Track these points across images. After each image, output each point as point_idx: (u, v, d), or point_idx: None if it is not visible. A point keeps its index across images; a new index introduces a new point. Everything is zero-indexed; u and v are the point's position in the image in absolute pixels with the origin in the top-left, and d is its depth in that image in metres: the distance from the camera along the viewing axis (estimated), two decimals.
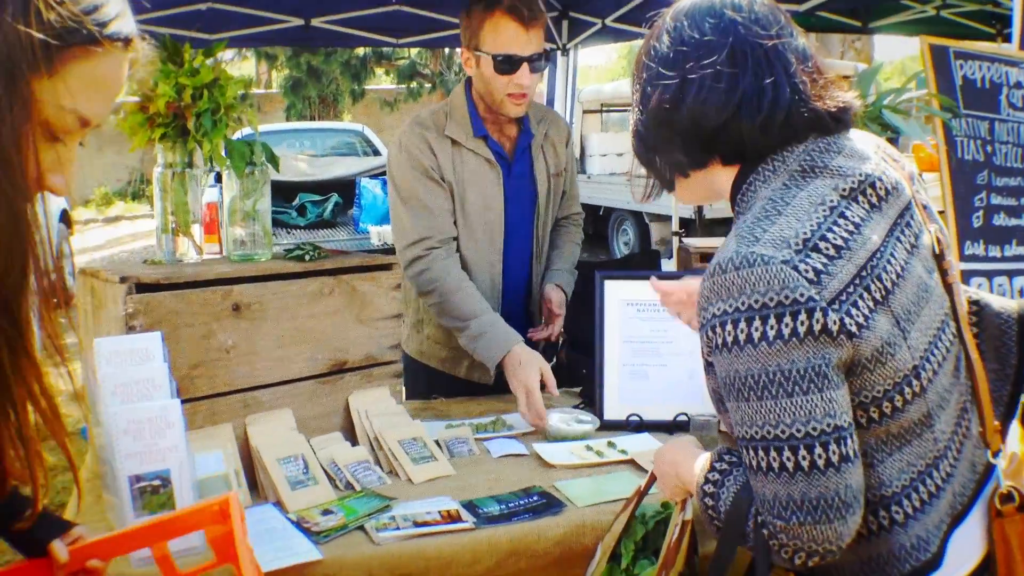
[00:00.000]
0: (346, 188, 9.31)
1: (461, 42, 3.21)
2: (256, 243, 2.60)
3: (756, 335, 1.49)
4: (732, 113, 1.62)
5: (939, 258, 1.72)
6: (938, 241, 1.73)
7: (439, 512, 2.20)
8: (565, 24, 7.16)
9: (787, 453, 1.49)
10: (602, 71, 49.48)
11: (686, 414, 2.86)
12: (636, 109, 1.76)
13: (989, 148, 3.64)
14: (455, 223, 3.22)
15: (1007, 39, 7.57)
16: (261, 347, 2.42)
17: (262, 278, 2.43)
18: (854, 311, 1.50)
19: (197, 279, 2.32)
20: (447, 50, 20.19)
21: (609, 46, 8.49)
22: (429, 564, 2.08)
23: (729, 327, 1.51)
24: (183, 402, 2.06)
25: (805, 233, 1.53)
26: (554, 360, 3.66)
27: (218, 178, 2.68)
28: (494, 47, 3.08)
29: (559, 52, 7.50)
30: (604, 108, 16.24)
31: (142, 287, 2.24)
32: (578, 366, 5.06)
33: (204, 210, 2.69)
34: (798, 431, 1.48)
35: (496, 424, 2.89)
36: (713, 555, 1.71)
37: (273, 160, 2.58)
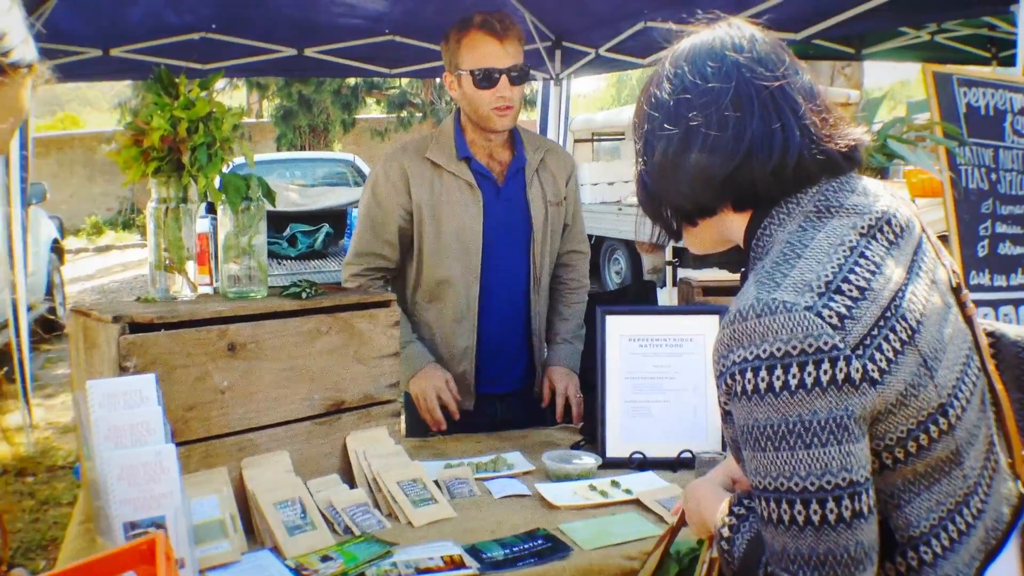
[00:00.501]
0: (337, 218, 9.28)
1: (445, 67, 3.27)
2: (252, 279, 2.53)
3: (778, 384, 1.44)
4: (742, 160, 1.57)
5: (956, 291, 1.69)
6: (954, 273, 1.70)
7: (441, 558, 2.13)
8: (558, 54, 7.14)
9: (798, 506, 1.44)
10: (591, 100, 49.73)
11: (690, 451, 2.80)
12: (639, 160, 1.71)
13: (994, 176, 3.59)
14: (425, 248, 3.27)
15: (1002, 63, 7.58)
16: (257, 388, 2.36)
17: (258, 317, 2.37)
18: (878, 355, 1.46)
19: (192, 318, 2.26)
20: (438, 80, 20.22)
21: (597, 76, 8.49)
22: None
23: (750, 375, 1.46)
24: (177, 445, 2.00)
25: (827, 276, 1.48)
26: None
27: (209, 208, 2.63)
28: (472, 63, 3.14)
29: (552, 82, 7.48)
30: (595, 137, 16.26)
31: (135, 327, 2.18)
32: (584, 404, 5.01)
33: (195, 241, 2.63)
34: (812, 484, 1.44)
35: (496, 463, 2.83)
36: None
37: (269, 195, 2.53)
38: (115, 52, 5.74)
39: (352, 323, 2.53)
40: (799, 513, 1.44)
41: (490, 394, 3.40)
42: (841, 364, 1.42)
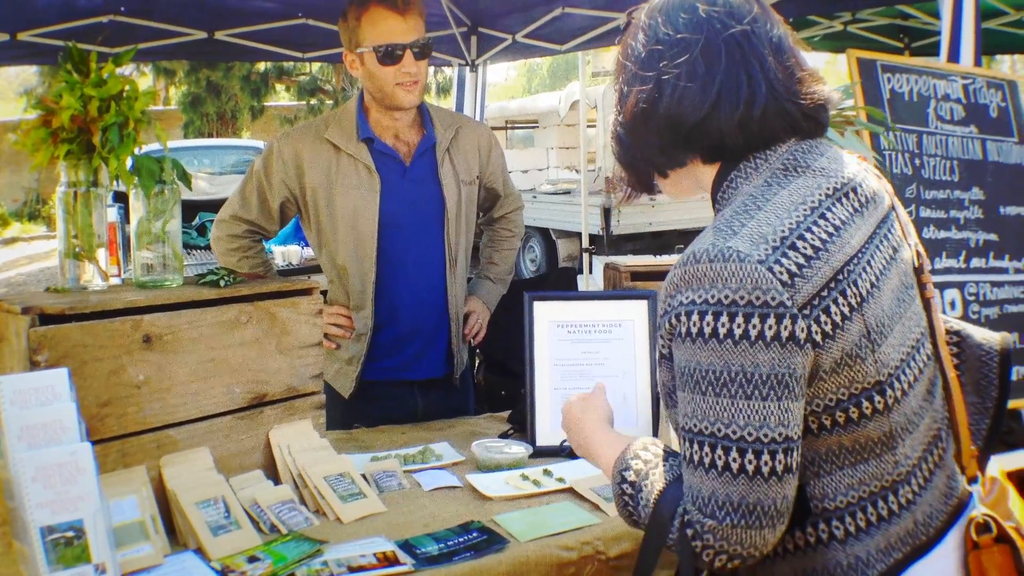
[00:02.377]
0: None
1: (343, 47, 3.22)
2: (166, 267, 2.42)
3: (722, 331, 1.46)
4: (709, 111, 1.59)
5: (918, 272, 1.70)
6: (918, 255, 1.71)
7: (374, 555, 2.05)
8: (474, 40, 7.05)
9: (734, 454, 1.47)
10: (502, 89, 49.74)
11: None
12: (615, 110, 1.73)
13: (917, 161, 3.63)
14: (323, 231, 3.24)
15: (914, 53, 7.69)
16: (175, 381, 2.25)
17: (174, 306, 2.26)
18: (824, 318, 1.48)
19: (105, 309, 2.14)
20: None
21: (509, 64, 8.44)
22: None
23: (695, 317, 1.48)
24: (93, 444, 1.89)
25: (783, 231, 1.50)
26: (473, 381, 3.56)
27: (116, 197, 2.50)
28: (374, 40, 3.08)
29: (467, 68, 7.39)
30: (509, 125, 16.22)
31: (46, 318, 2.05)
32: (496, 388, 4.99)
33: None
34: (749, 435, 1.46)
35: (424, 454, 2.75)
36: (639, 555, 1.65)
37: (184, 178, 2.42)
38: (23, 36, 5.52)
39: (273, 312, 2.43)
40: (734, 460, 1.46)
41: (406, 380, 3.34)
42: (787, 322, 1.45)
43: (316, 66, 20.81)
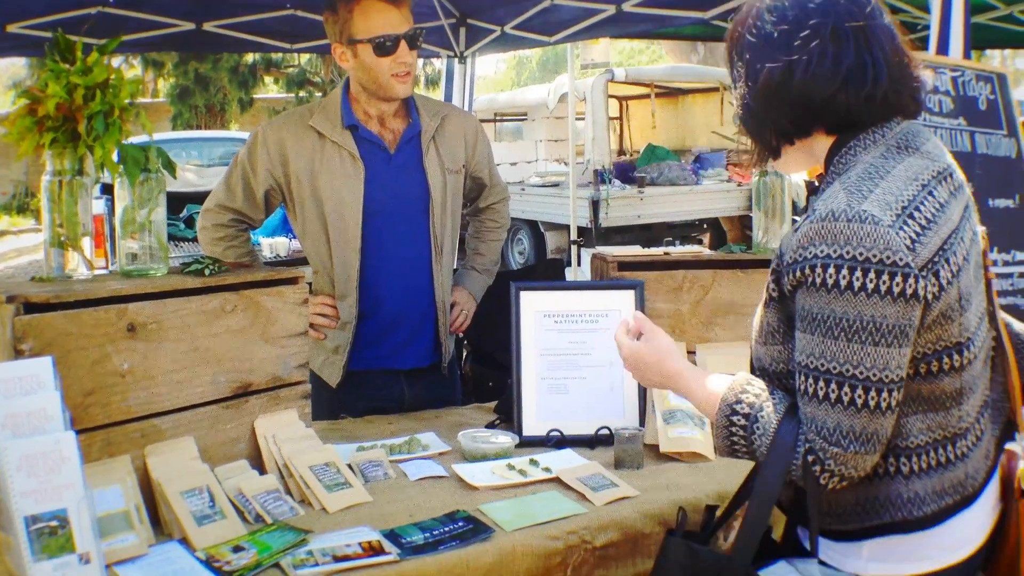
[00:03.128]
0: None
1: (330, 40, 3.19)
2: (152, 257, 2.41)
3: (856, 284, 1.65)
4: (838, 88, 1.77)
5: (983, 255, 1.91)
6: (984, 239, 1.92)
7: (359, 544, 2.05)
8: (463, 31, 7.02)
9: (859, 391, 1.68)
10: (491, 82, 49.62)
11: (608, 428, 2.76)
12: (743, 84, 1.88)
13: None
14: (307, 218, 3.22)
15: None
16: (159, 370, 2.24)
17: (159, 295, 2.25)
18: (933, 280, 1.68)
19: (89, 297, 2.13)
20: None
21: (498, 57, 8.42)
22: None
23: (831, 270, 1.67)
24: (77, 433, 1.88)
25: (903, 202, 1.70)
26: (459, 373, 3.55)
27: (104, 189, 2.49)
28: (368, 32, 3.07)
29: (456, 60, 7.37)
30: (497, 118, 16.18)
31: (30, 307, 2.04)
32: (483, 379, 4.97)
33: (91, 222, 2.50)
34: (873, 375, 1.67)
35: (411, 444, 2.75)
36: (757, 487, 1.80)
37: (169, 166, 2.40)
38: (12, 28, 5.49)
39: (258, 301, 2.42)
40: (859, 397, 1.68)
41: (391, 369, 3.32)
42: (911, 280, 1.65)
43: (305, 58, 20.71)
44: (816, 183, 1.92)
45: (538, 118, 14.92)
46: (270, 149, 3.17)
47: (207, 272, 2.40)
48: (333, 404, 3.23)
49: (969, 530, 1.82)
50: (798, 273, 1.72)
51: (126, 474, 2.11)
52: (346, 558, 1.99)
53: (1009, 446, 1.92)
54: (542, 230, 13.06)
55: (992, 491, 1.87)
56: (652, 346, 2.08)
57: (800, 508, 1.84)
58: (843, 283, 1.66)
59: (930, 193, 1.74)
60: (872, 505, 1.79)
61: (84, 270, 2.37)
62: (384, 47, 3.05)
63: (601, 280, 3.12)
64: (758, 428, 1.79)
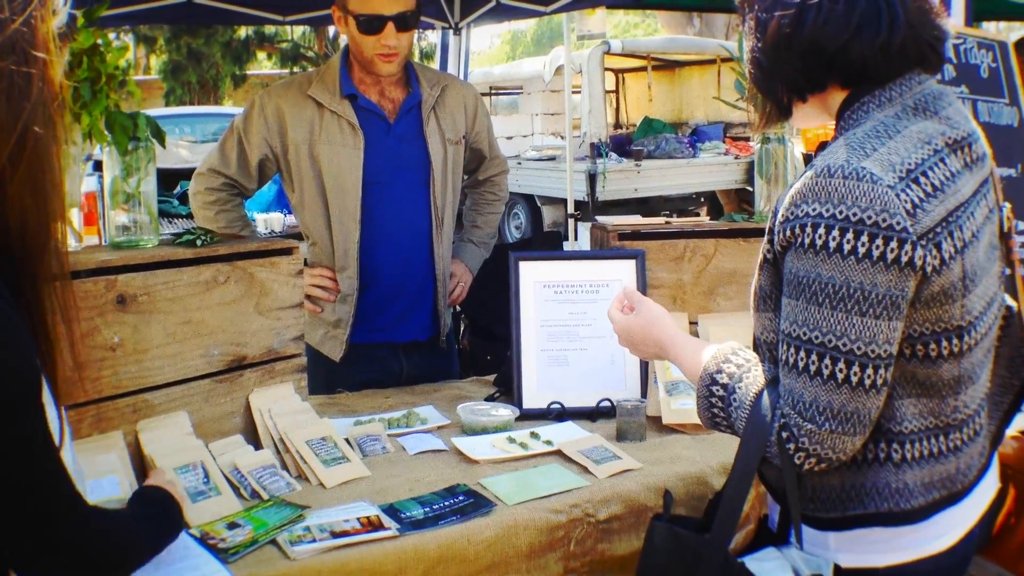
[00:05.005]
0: None
1: (333, 2, 3.14)
2: (141, 228, 2.35)
3: (847, 247, 1.54)
4: (852, 34, 1.65)
5: (1006, 236, 1.82)
6: (1008, 219, 1.83)
7: (358, 519, 2.00)
8: (457, 2, 6.95)
9: (841, 364, 1.56)
10: (485, 57, 49.39)
11: (609, 400, 2.71)
12: (752, 37, 1.78)
13: None
14: (306, 188, 3.16)
15: None
16: (151, 343, 2.19)
17: (149, 266, 2.19)
18: (934, 252, 1.56)
19: (77, 267, 2.07)
20: (331, 32, 19.79)
21: (492, 32, 8.32)
22: None
23: (821, 230, 1.56)
24: (67, 408, 1.81)
25: (910, 164, 1.58)
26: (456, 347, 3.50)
27: (96, 166, 2.42)
28: (357, 6, 3.02)
29: (451, 32, 7.30)
30: (493, 91, 16.08)
31: None
32: (481, 353, 4.93)
33: (82, 200, 2.44)
34: (858, 348, 1.55)
35: (409, 418, 2.70)
36: (734, 464, 1.72)
37: (159, 135, 2.34)
38: None
39: (251, 272, 2.37)
40: (840, 371, 1.56)
41: (390, 342, 3.27)
42: (907, 247, 1.53)
43: (298, 32, 20.60)
44: (813, 156, 1.84)
45: (534, 91, 14.83)
46: (268, 118, 3.10)
47: (199, 243, 2.34)
48: (330, 378, 3.18)
49: (952, 522, 1.73)
50: (788, 232, 1.61)
51: (118, 451, 2.06)
52: (344, 533, 1.94)
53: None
54: (539, 204, 12.98)
55: (983, 488, 1.79)
56: (642, 318, 2.03)
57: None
58: (832, 245, 1.54)
59: (941, 160, 1.62)
60: (857, 493, 1.69)
61: (73, 242, 2.31)
62: (369, 25, 2.99)
63: (601, 250, 3.07)
64: (734, 400, 1.71)
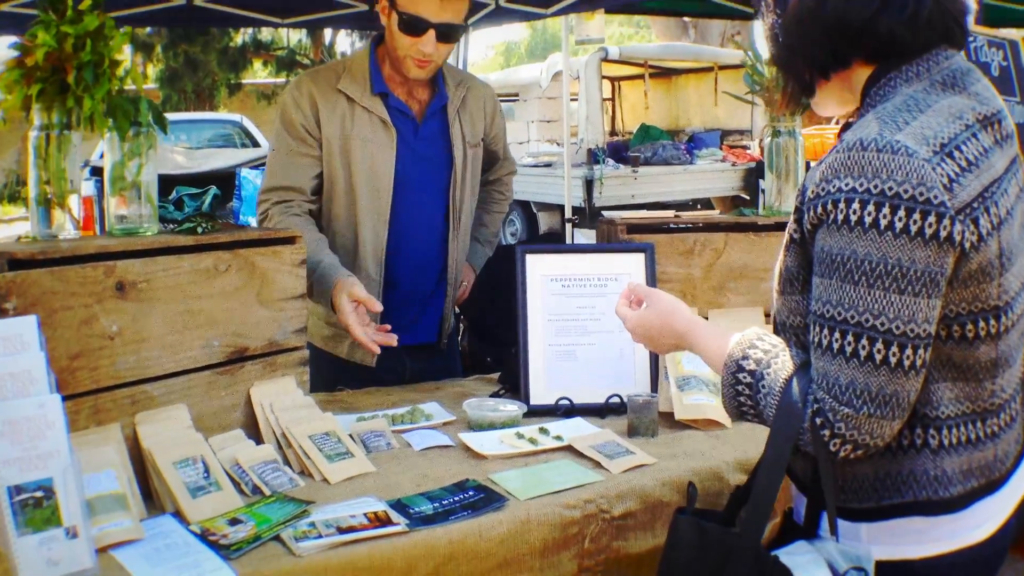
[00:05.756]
0: (225, 181, 8.99)
1: None
2: (141, 216, 2.28)
3: (883, 222, 1.48)
4: (878, 7, 1.60)
5: None
6: None
7: (365, 515, 1.93)
8: None
9: (879, 344, 1.50)
10: (478, 67, 49.33)
11: (619, 396, 2.65)
12: (772, 13, 1.73)
13: None
14: (335, 185, 3.02)
15: None
16: (150, 333, 2.11)
17: (149, 252, 2.12)
18: (972, 227, 1.51)
19: (76, 253, 2.00)
20: (328, 38, 19.72)
21: (487, 42, 8.26)
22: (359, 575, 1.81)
23: (856, 205, 1.50)
24: (63, 399, 1.75)
25: (943, 138, 1.53)
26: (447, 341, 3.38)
27: (94, 172, 2.35)
28: (406, 4, 2.86)
29: None
30: None
31: (15, 263, 1.91)
32: (481, 354, 4.85)
33: (80, 204, 2.38)
34: (897, 328, 1.49)
35: (414, 414, 2.63)
36: (764, 455, 1.64)
37: (160, 121, 2.27)
38: (2, 8, 5.34)
39: (253, 260, 2.29)
40: (878, 351, 1.50)
41: (397, 346, 3.17)
42: (945, 222, 1.48)
43: (294, 39, 20.52)
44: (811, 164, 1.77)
45: (530, 98, 14.77)
46: (304, 110, 2.97)
47: (199, 230, 2.27)
48: (330, 378, 3.10)
49: (989, 512, 1.67)
50: (819, 209, 1.55)
51: (116, 444, 1.98)
52: (352, 529, 1.87)
53: None
54: (534, 211, 12.91)
55: (1019, 477, 1.73)
56: (655, 310, 1.96)
57: (819, 485, 1.68)
58: (868, 220, 1.48)
59: (973, 135, 1.57)
60: (893, 481, 1.63)
61: (71, 229, 2.24)
62: (411, 26, 2.85)
63: (610, 243, 3.00)
64: (763, 387, 1.64)
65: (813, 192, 1.57)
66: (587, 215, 11.11)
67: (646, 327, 1.98)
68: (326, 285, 2.73)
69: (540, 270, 2.80)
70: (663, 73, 14.98)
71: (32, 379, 1.75)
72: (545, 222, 12.81)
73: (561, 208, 11.07)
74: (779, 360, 1.65)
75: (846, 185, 1.52)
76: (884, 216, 1.48)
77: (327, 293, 2.72)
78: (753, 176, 12.45)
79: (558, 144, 13.65)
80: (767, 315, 2.95)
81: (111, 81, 2.17)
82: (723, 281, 3.03)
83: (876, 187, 1.49)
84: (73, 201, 2.26)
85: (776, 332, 1.79)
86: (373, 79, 3.01)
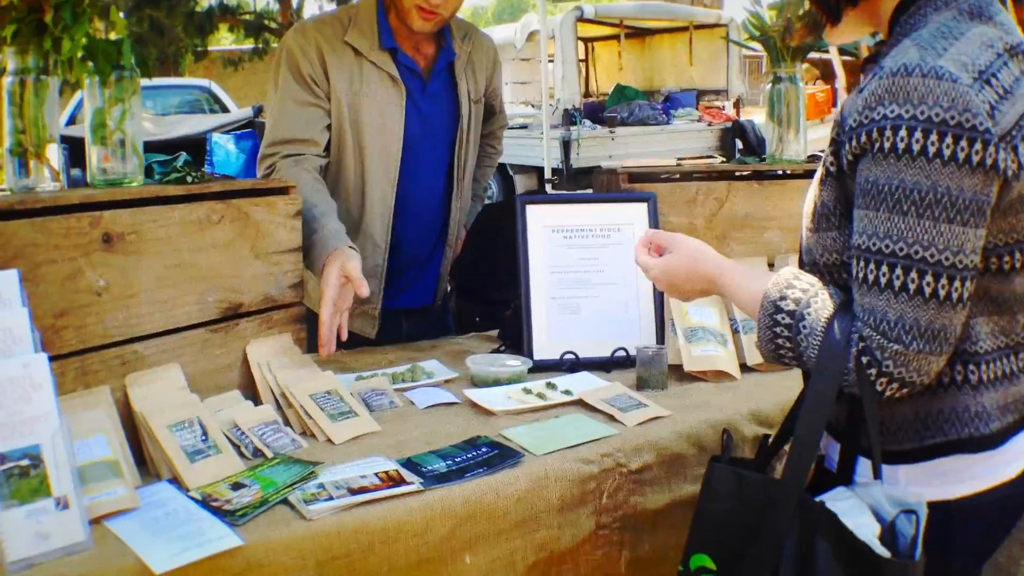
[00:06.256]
0: (196, 147, 8.80)
1: None
2: (126, 165, 2.14)
3: (932, 149, 1.43)
4: None
5: None
6: None
7: (376, 475, 1.82)
8: None
9: (928, 277, 1.45)
10: (476, 15, 48.82)
11: (624, 349, 2.55)
12: None
13: None
14: (343, 145, 2.85)
15: None
16: (140, 288, 1.99)
17: (138, 202, 1.99)
18: (1012, 155, 1.47)
19: (58, 203, 1.87)
20: (295, 1, 19.42)
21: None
22: (373, 538, 1.71)
23: (903, 133, 1.44)
24: (49, 359, 1.63)
25: (980, 66, 1.48)
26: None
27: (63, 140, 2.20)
28: None
29: None
30: None
31: None
32: (470, 315, 4.74)
33: (60, 155, 2.24)
34: (946, 259, 1.44)
35: (414, 372, 2.52)
36: (807, 399, 1.56)
37: (143, 65, 2.14)
38: None
39: (247, 211, 2.17)
40: (927, 284, 1.45)
41: (394, 309, 3.06)
42: (991, 149, 1.43)
43: (261, 3, 20.20)
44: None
45: (505, 60, 14.53)
46: (311, 58, 2.77)
47: (189, 179, 2.14)
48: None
49: (1021, 447, 1.63)
50: (863, 138, 1.49)
51: (106, 407, 1.86)
52: (363, 490, 1.76)
53: None
54: (511, 173, 12.79)
55: None
56: (679, 256, 1.87)
57: (854, 430, 1.63)
58: (916, 148, 1.43)
59: (1005, 63, 1.52)
60: (935, 420, 1.58)
61: (50, 182, 2.10)
62: None
63: (612, 192, 2.89)
64: (804, 327, 1.56)
65: (855, 121, 1.51)
66: (565, 176, 11.02)
67: (670, 274, 1.88)
68: (321, 250, 2.43)
69: (541, 221, 2.69)
70: (637, 33, 14.83)
71: (14, 337, 1.64)
72: (523, 184, 12.69)
73: (538, 170, 10.98)
74: (819, 299, 1.57)
75: (891, 112, 1.46)
76: (932, 143, 1.42)
77: (320, 259, 2.42)
78: (730, 136, 12.42)
79: (533, 106, 13.52)
80: (770, 265, 2.87)
81: (91, 22, 2.04)
82: (726, 231, 2.94)
83: (923, 113, 1.43)
84: (52, 152, 2.13)
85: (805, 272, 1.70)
86: (381, 32, 2.83)
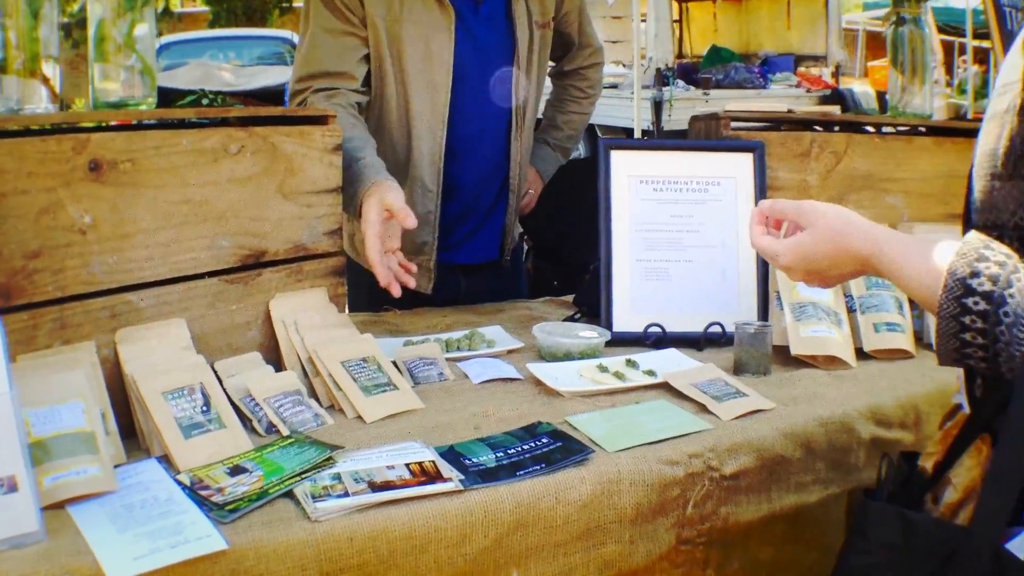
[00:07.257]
0: (274, 98, 8.69)
1: None
2: (134, 85, 1.81)
3: None
4: None
5: None
6: None
7: (407, 466, 1.47)
8: None
9: None
10: None
11: (720, 324, 2.17)
12: None
13: None
14: (383, 78, 2.51)
15: None
16: (136, 227, 1.66)
17: (134, 126, 1.66)
18: None
19: (37, 124, 1.55)
20: None
21: None
22: (395, 547, 1.37)
23: None
24: (17, 309, 1.31)
25: None
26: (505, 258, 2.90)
27: None
28: None
29: None
30: None
31: None
32: (547, 277, 4.39)
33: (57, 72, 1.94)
34: None
35: (472, 340, 2.17)
36: (1011, 419, 1.15)
37: None
38: None
39: (274, 142, 1.82)
40: None
41: (451, 264, 2.72)
42: None
43: None
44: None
45: (595, 17, 14.20)
46: None
47: (205, 102, 1.81)
48: (372, 296, 2.62)
49: None
50: None
51: (88, 367, 1.53)
52: (388, 486, 1.41)
53: None
54: (599, 134, 12.41)
55: None
56: (819, 233, 1.42)
57: None
58: None
59: None
60: None
61: (47, 104, 1.78)
62: None
63: (712, 140, 2.50)
64: (1005, 316, 1.15)
65: None
66: (656, 137, 10.67)
67: (809, 260, 1.44)
68: (358, 186, 2.14)
69: (627, 170, 2.32)
70: None
71: None
72: None
73: (628, 132, 10.61)
74: (1020, 273, 1.16)
75: None
76: None
77: (357, 196, 2.12)
78: (828, 104, 11.92)
79: (624, 65, 13.13)
80: None
81: None
82: (843, 191, 2.53)
83: None
84: (49, 70, 1.80)
85: None
86: None
